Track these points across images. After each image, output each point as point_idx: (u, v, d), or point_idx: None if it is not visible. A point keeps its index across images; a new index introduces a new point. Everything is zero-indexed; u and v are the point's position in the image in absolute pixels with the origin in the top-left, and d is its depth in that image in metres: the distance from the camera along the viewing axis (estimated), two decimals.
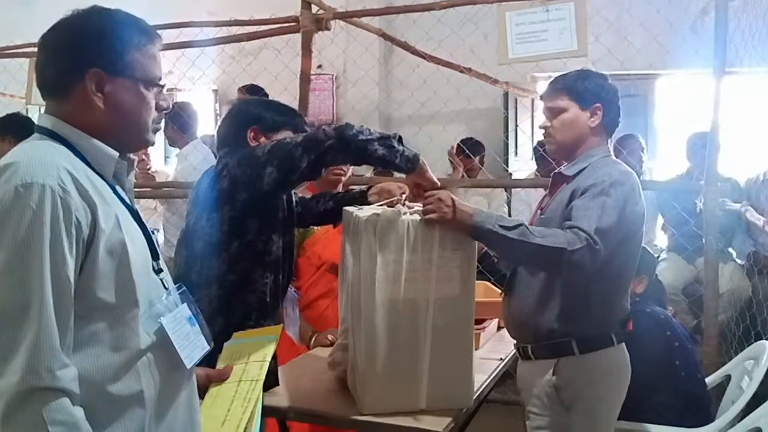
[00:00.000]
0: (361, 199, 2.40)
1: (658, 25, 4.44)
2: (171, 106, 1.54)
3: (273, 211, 2.16)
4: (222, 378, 1.66)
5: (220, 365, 1.70)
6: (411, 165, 2.00)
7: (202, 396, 1.59)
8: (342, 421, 2.10)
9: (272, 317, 2.16)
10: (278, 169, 1.99)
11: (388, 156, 1.96)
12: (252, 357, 1.71)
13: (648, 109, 5.47)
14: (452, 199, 2.00)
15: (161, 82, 1.43)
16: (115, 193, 1.35)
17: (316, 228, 2.87)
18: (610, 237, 2.01)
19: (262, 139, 2.18)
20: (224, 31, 4.50)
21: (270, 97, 4.63)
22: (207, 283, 2.02)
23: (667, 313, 3.17)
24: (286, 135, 2.18)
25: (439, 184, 2.07)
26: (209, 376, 1.65)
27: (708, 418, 2.91)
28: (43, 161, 1.24)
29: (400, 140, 2.00)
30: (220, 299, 2.01)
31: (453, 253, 2.06)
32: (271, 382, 2.13)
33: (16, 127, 2.90)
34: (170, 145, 5.13)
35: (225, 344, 1.79)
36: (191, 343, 1.42)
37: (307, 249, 2.88)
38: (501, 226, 1.99)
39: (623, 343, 2.21)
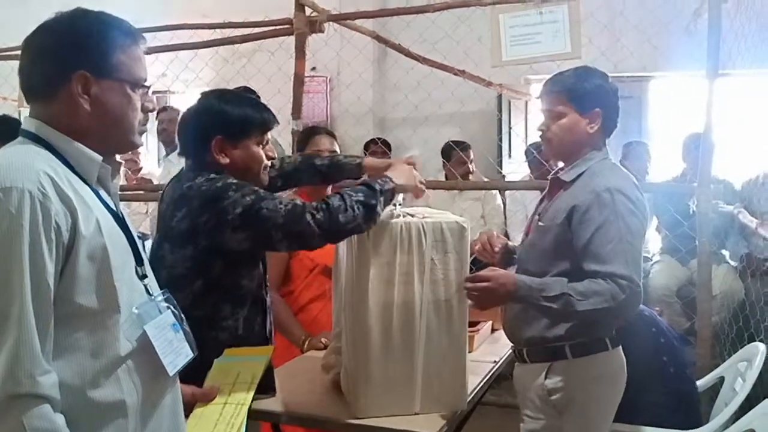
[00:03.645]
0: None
1: (652, 27, 4.44)
2: (156, 107, 1.52)
3: (240, 252, 1.98)
4: (207, 399, 1.64)
5: (208, 383, 1.69)
6: (390, 197, 2.01)
7: (187, 414, 1.58)
8: (335, 425, 2.09)
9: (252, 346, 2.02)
10: (251, 241, 1.90)
11: (375, 217, 1.94)
12: (240, 378, 1.70)
13: (642, 110, 5.48)
14: (500, 282, 2.04)
15: (147, 84, 1.42)
16: (99, 197, 1.34)
17: None
18: (639, 264, 2.05)
19: (228, 151, 2.02)
20: (218, 34, 4.49)
21: (263, 100, 4.61)
22: None
23: (652, 311, 3.17)
24: (254, 140, 2.05)
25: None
26: (195, 395, 1.64)
27: (698, 416, 2.91)
28: (23, 165, 1.23)
29: (371, 186, 1.95)
30: None
31: (446, 255, 2.06)
32: (267, 388, 2.12)
33: (2, 130, 2.87)
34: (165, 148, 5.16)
35: (215, 360, 1.77)
36: (174, 350, 1.40)
37: (299, 251, 2.86)
38: (544, 297, 2.02)
39: (619, 347, 2.20)
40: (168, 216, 1.99)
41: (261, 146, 2.09)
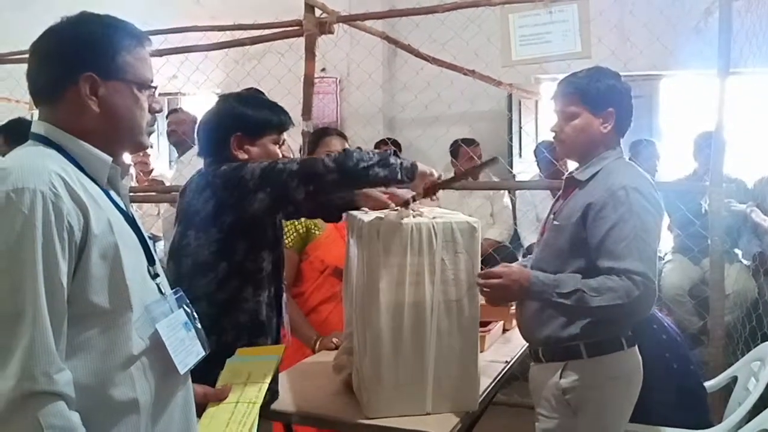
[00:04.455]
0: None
1: (662, 25, 4.42)
2: (163, 108, 1.54)
3: (262, 231, 2.10)
4: (220, 398, 1.65)
5: (220, 383, 1.70)
6: (410, 175, 2.03)
7: (199, 414, 1.59)
8: (347, 425, 2.10)
9: (268, 334, 2.10)
10: (271, 197, 1.96)
11: (390, 175, 1.98)
12: (252, 377, 1.71)
13: (652, 110, 5.45)
14: (513, 278, 2.04)
15: (153, 85, 1.43)
16: (110, 198, 1.36)
17: (318, 232, 2.87)
18: (654, 262, 2.03)
19: (247, 147, 2.10)
20: (228, 35, 4.51)
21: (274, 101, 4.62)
22: (196, 301, 1.73)
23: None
24: (271, 139, 2.13)
25: (435, 175, 2.10)
26: (207, 395, 1.65)
27: (706, 412, 2.89)
28: (35, 167, 1.24)
29: (395, 154, 2.03)
30: (210, 318, 1.79)
31: (457, 255, 2.06)
32: (273, 392, 2.12)
33: (19, 133, 2.90)
34: (176, 150, 5.17)
35: (227, 360, 1.79)
36: (186, 349, 1.41)
37: (310, 254, 2.87)
38: (558, 293, 2.01)
39: (634, 347, 2.19)
40: (192, 205, 2.06)
41: (278, 146, 2.16)
